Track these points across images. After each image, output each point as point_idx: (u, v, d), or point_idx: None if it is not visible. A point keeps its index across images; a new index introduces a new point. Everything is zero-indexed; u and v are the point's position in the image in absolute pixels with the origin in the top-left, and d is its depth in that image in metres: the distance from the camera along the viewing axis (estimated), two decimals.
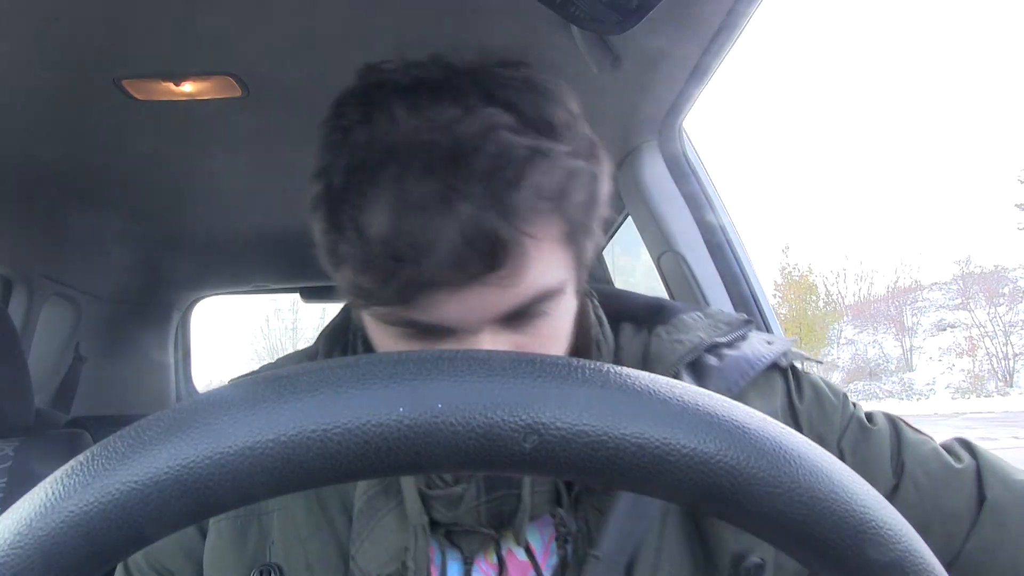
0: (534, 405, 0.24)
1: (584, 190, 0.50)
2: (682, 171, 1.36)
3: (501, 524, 0.57)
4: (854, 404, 0.66)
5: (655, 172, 1.37)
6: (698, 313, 0.65)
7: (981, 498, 0.59)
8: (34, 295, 1.97)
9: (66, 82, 1.19)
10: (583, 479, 0.26)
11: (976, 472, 0.61)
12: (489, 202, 0.45)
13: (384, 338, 0.53)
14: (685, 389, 0.26)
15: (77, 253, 2.09)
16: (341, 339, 0.64)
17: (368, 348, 0.60)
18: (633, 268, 2.06)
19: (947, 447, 0.64)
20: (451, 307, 0.48)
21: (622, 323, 0.65)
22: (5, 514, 0.25)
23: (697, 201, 1.35)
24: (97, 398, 2.26)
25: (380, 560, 0.55)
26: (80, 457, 0.25)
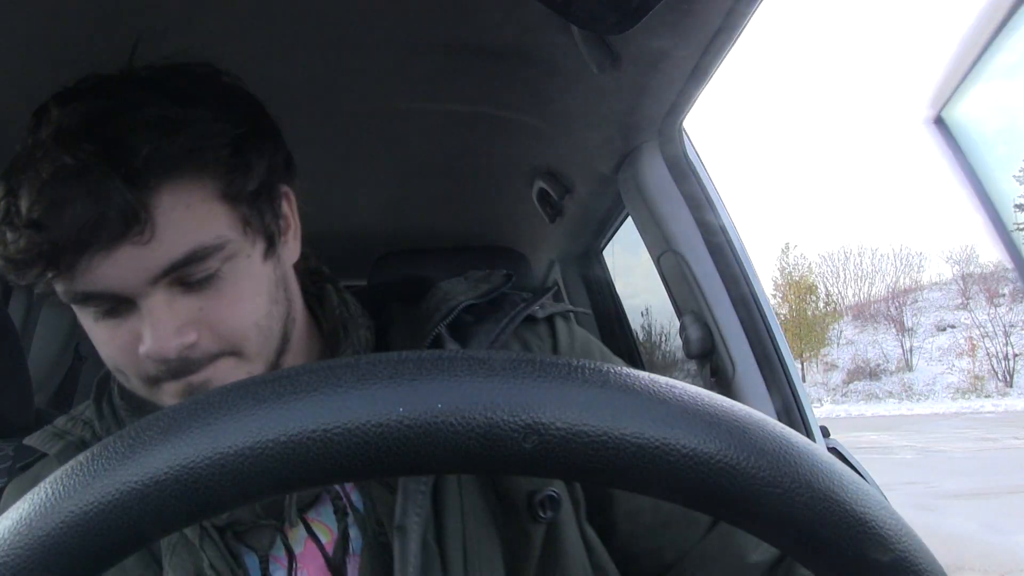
0: (534, 405, 0.24)
1: (224, 151, 0.54)
2: (682, 171, 1.36)
3: (282, 512, 0.58)
4: None
5: (655, 172, 1.37)
6: (459, 278, 0.68)
7: None
8: (34, 295, 1.97)
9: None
10: (584, 479, 0.26)
11: None
12: (114, 168, 0.49)
13: (90, 328, 0.56)
14: (685, 389, 0.26)
15: None
16: (106, 395, 0.65)
17: (124, 397, 0.63)
18: (633, 268, 2.06)
19: None
20: (104, 271, 0.51)
21: (391, 304, 0.69)
22: (5, 514, 0.25)
23: (697, 201, 1.34)
24: None
25: None
26: (80, 457, 0.25)
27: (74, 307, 0.55)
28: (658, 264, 1.45)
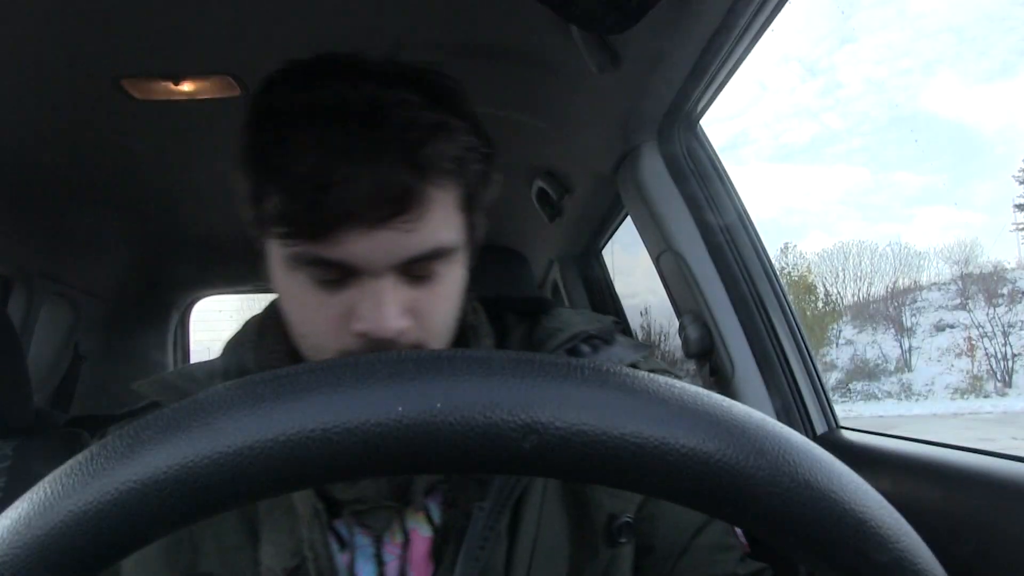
0: (533, 405, 0.24)
1: (479, 164, 0.58)
2: (681, 171, 1.36)
3: (404, 496, 0.60)
4: None
5: (654, 172, 1.37)
6: (576, 311, 0.72)
7: None
8: (33, 295, 1.97)
9: (65, 81, 1.19)
10: (583, 479, 0.26)
11: None
12: (401, 156, 0.53)
13: (300, 290, 0.57)
14: (684, 389, 0.26)
15: (76, 253, 2.09)
16: (236, 355, 0.68)
17: (258, 362, 0.65)
18: (632, 268, 2.06)
19: None
20: (361, 246, 0.53)
21: (506, 313, 0.72)
22: (4, 513, 0.25)
23: (697, 201, 1.34)
24: (96, 398, 2.26)
25: (282, 557, 0.58)
26: (79, 456, 0.25)
27: (288, 268, 0.57)
28: (657, 264, 1.45)
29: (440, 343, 0.60)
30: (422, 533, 0.61)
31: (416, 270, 0.56)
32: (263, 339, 0.66)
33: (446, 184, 0.56)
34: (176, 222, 2.06)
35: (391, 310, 0.55)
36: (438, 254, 0.56)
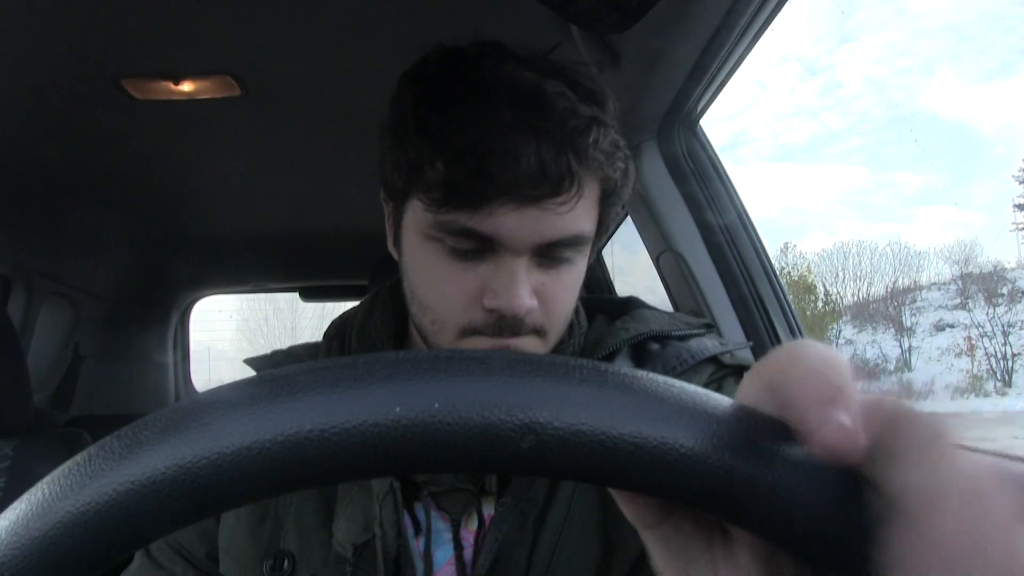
0: (531, 405, 0.24)
1: (623, 162, 0.60)
2: (681, 171, 1.36)
3: (480, 480, 0.61)
4: None
5: (654, 171, 1.37)
6: (664, 312, 0.71)
7: None
8: (33, 294, 1.97)
9: (66, 82, 1.19)
10: (582, 480, 0.26)
11: None
12: (564, 141, 0.55)
13: (435, 261, 0.58)
14: (683, 389, 0.26)
15: (76, 253, 2.09)
16: (339, 336, 0.69)
17: (361, 342, 0.66)
18: (632, 268, 2.06)
19: None
20: (511, 221, 0.55)
21: (597, 314, 0.73)
22: (3, 514, 0.25)
23: (697, 201, 1.34)
24: (96, 398, 2.26)
25: (353, 532, 0.59)
26: (78, 457, 0.25)
27: (427, 236, 0.58)
28: (657, 264, 1.45)
29: (558, 331, 0.62)
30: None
31: (552, 253, 0.58)
32: (369, 320, 0.67)
33: (595, 175, 0.58)
34: (176, 222, 2.06)
35: (525, 289, 0.56)
36: (575, 242, 0.58)
